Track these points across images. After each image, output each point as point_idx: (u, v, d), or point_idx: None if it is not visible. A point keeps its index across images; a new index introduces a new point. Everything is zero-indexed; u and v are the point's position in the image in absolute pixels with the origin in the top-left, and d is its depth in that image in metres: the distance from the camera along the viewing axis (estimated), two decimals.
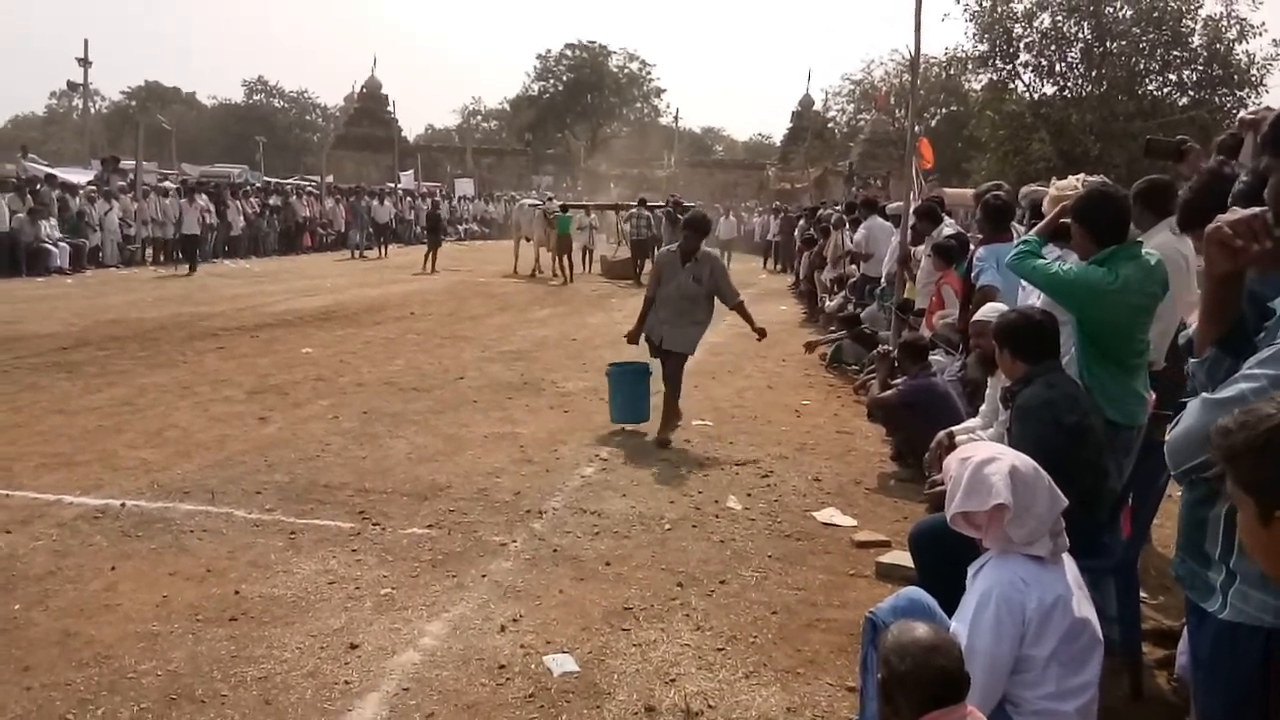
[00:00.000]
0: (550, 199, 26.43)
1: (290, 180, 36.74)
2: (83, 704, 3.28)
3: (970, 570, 2.66)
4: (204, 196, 24.19)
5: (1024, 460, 2.59)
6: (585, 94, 63.20)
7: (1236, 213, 1.94)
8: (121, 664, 3.55)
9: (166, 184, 25.52)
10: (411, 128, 58.27)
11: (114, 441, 6.63)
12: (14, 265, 18.52)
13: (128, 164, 25.70)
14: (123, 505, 5.29)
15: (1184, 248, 4.25)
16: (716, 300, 7.22)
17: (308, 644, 3.75)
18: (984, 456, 2.57)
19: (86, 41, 36.43)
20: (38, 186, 20.66)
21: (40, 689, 3.36)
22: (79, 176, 24.68)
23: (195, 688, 3.40)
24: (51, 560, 4.50)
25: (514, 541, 4.92)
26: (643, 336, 7.28)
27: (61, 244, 19.69)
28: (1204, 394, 2.00)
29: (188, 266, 20.34)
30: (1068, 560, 2.63)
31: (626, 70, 65.68)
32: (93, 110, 49.98)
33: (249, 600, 4.13)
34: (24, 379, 8.64)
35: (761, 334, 7.35)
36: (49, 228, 19.63)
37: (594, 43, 64.66)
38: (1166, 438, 2.05)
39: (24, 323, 12.20)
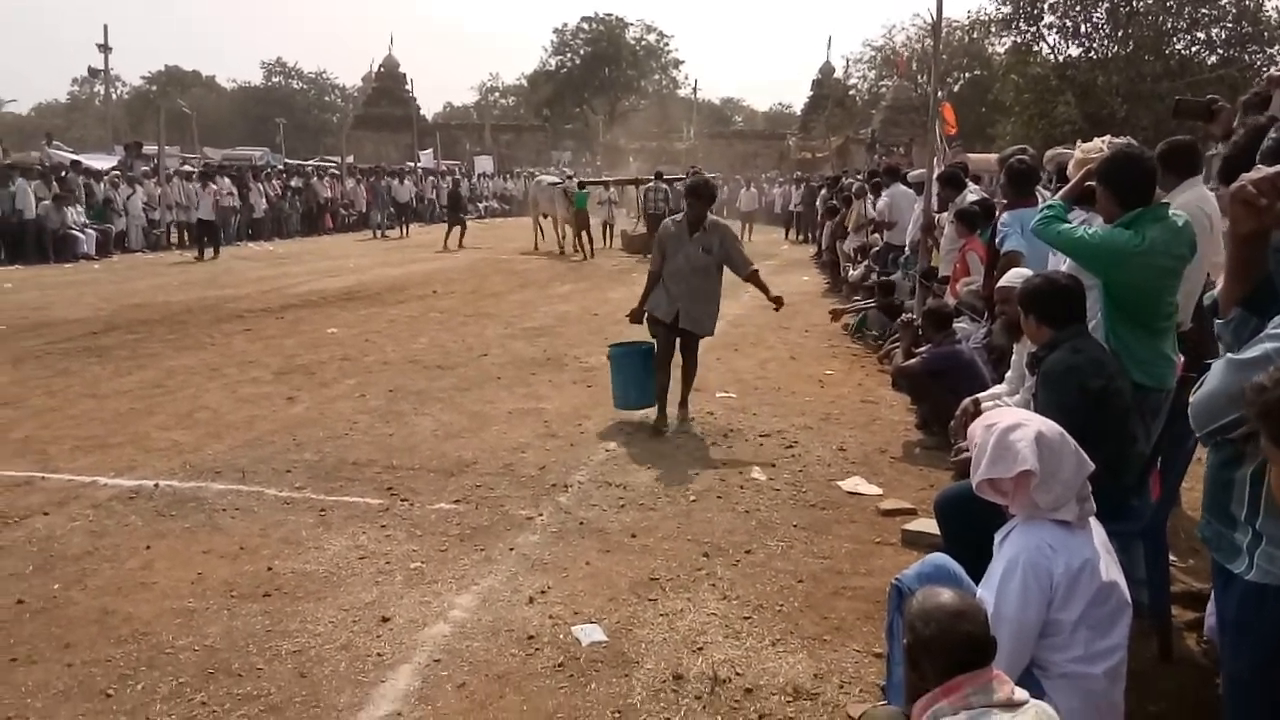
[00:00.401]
0: (570, 175, 25.93)
1: (311, 162, 36.90)
2: (122, 679, 3.35)
3: (997, 537, 2.65)
4: (225, 180, 24.35)
5: (1049, 425, 2.58)
6: (603, 67, 62.90)
7: (1261, 171, 1.91)
8: (159, 640, 3.62)
9: (187, 168, 25.64)
10: (430, 106, 58.53)
11: (145, 423, 6.73)
12: (42, 252, 18.76)
13: (150, 149, 25.91)
14: (156, 486, 5.37)
15: (1207, 207, 4.18)
16: (729, 272, 6.81)
17: (340, 618, 3.81)
18: (1009, 423, 2.55)
19: (106, 28, 36.82)
20: (63, 174, 20.87)
21: (81, 665, 3.44)
22: (103, 162, 24.93)
23: (231, 662, 3.46)
24: (89, 540, 4.59)
25: (540, 515, 4.96)
26: (645, 315, 6.82)
27: (88, 230, 19.92)
28: (1229, 354, 1.98)
29: (212, 251, 20.12)
30: (1095, 524, 2.62)
31: (644, 42, 65.28)
32: (114, 96, 50.35)
33: (282, 576, 4.19)
34: (56, 364, 8.78)
35: (779, 303, 6.82)
36: (75, 214, 19.85)
37: (611, 15, 64.30)
38: (1191, 398, 2.03)
39: (53, 308, 12.37)
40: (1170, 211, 3.78)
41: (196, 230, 21.14)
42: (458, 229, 22.80)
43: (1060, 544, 2.47)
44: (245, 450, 6.08)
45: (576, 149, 55.63)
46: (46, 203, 19.16)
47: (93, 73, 40.84)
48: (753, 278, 6.69)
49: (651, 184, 22.19)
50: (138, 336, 10.27)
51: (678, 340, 6.71)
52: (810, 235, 23.91)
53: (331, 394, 7.68)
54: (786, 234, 27.69)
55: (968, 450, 2.94)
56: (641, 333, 6.97)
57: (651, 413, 6.76)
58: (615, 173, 34.45)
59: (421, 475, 5.61)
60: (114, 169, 23.23)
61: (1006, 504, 2.58)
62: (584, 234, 20.68)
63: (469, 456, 5.97)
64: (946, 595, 2.18)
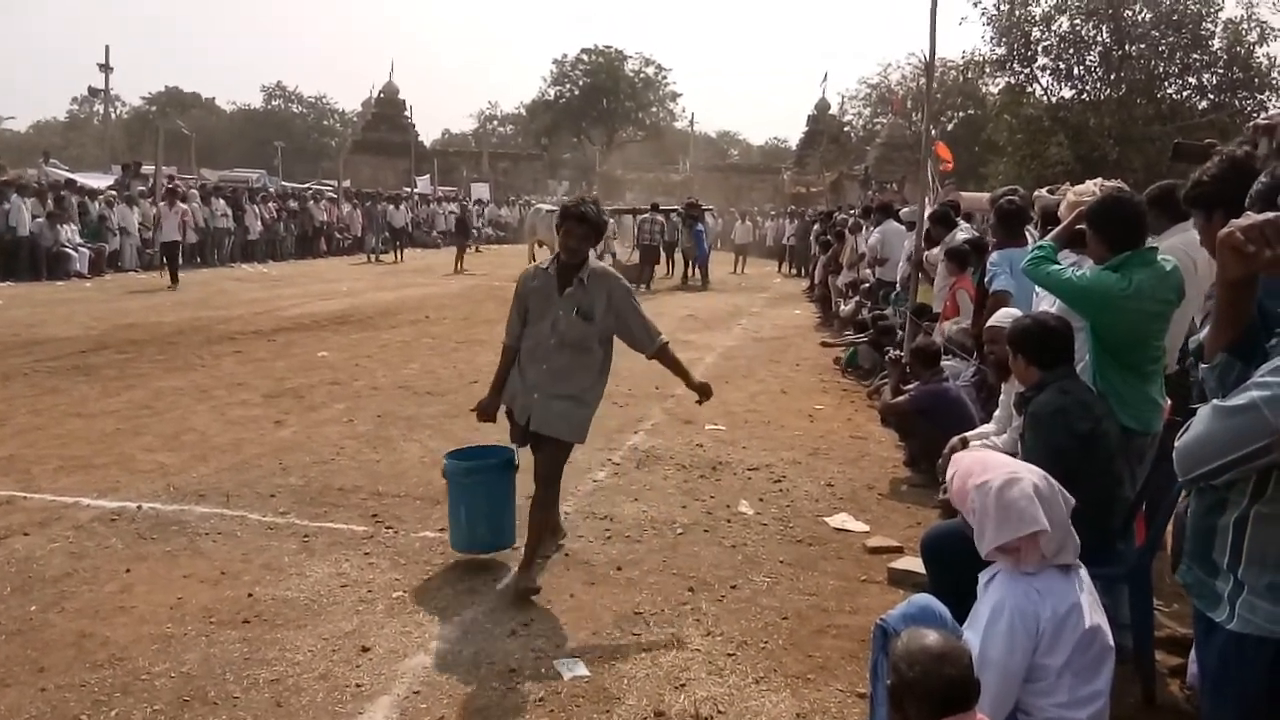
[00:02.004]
0: (565, 200, 26.10)
1: (308, 185, 37.00)
2: (97, 705, 3.30)
3: (981, 578, 2.64)
4: (221, 200, 24.38)
5: (1037, 474, 2.58)
6: (601, 98, 63.28)
7: (1250, 217, 1.92)
8: (136, 665, 3.58)
9: (179, 186, 25.38)
10: (428, 132, 58.63)
11: (131, 444, 6.69)
12: (35, 269, 18.73)
13: (147, 169, 25.94)
14: (139, 508, 5.33)
15: (1194, 251, 4.21)
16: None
17: (320, 646, 3.77)
18: (1002, 480, 2.54)
19: (108, 48, 37.01)
20: (59, 192, 20.87)
21: (55, 690, 3.39)
22: (99, 181, 24.93)
23: (208, 689, 3.42)
24: (68, 562, 4.55)
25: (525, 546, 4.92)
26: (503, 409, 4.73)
27: (81, 248, 19.89)
28: (1214, 401, 1.98)
29: (170, 279, 18.19)
30: (1080, 568, 2.61)
31: (642, 75, 65.69)
32: (113, 116, 50.49)
33: (262, 603, 4.15)
34: (44, 382, 8.73)
35: (703, 393, 4.61)
36: (69, 232, 19.84)
37: (610, 47, 64.72)
38: (1176, 444, 2.03)
39: (44, 326, 12.32)
40: (1158, 256, 3.81)
41: (161, 254, 19.38)
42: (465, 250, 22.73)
43: (1046, 589, 2.46)
44: (231, 474, 6.04)
45: (573, 178, 55.81)
46: (41, 220, 19.16)
47: (93, 92, 41.13)
48: (662, 356, 4.56)
49: (647, 215, 22.13)
50: (127, 356, 10.23)
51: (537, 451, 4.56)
52: (804, 269, 24.04)
53: (320, 418, 7.65)
54: (780, 267, 27.85)
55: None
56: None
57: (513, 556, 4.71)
58: (612, 203, 34.54)
59: (407, 503, 5.58)
60: (110, 188, 23.23)
61: (1014, 561, 2.56)
62: None
63: None
64: (931, 638, 2.17)
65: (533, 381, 4.48)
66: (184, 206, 20.32)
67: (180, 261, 19.04)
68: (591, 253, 4.54)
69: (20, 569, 4.44)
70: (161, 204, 19.78)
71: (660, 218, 21.81)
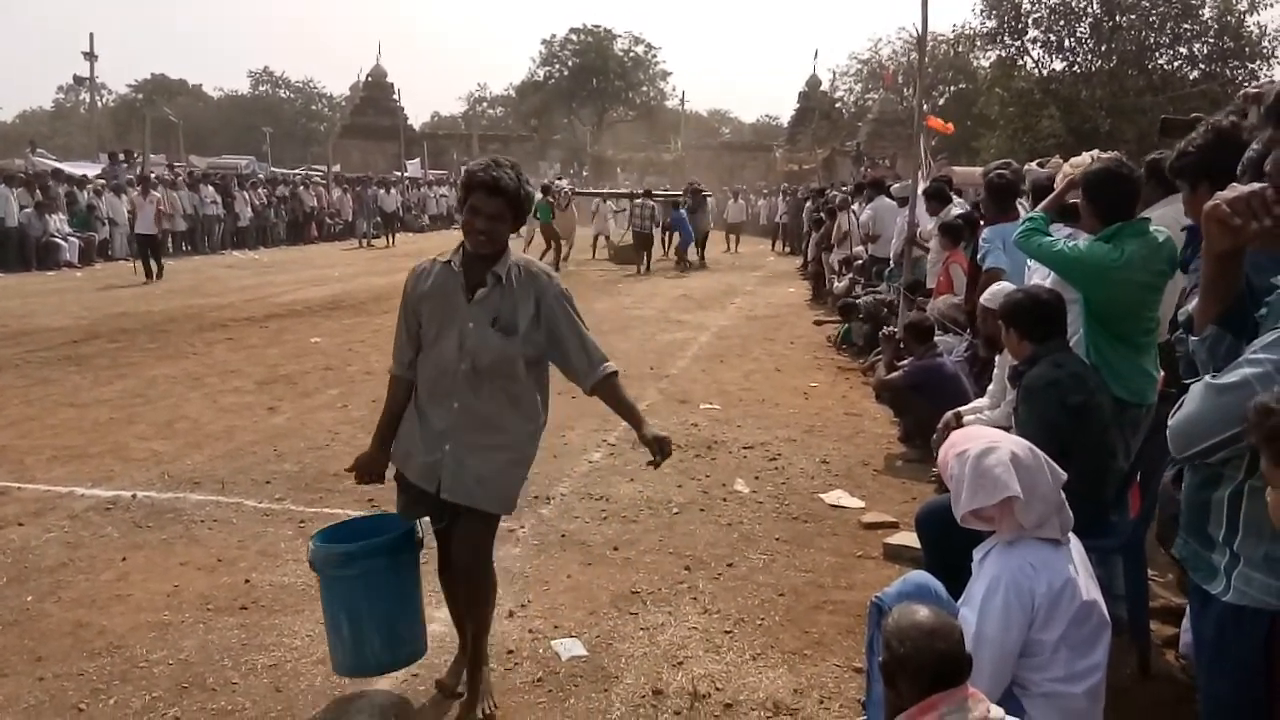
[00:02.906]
0: (557, 180, 25.47)
1: (297, 170, 36.81)
2: (95, 693, 3.31)
3: (976, 554, 2.65)
4: (209, 188, 24.26)
5: (1020, 443, 2.58)
6: (591, 78, 62.90)
7: (1236, 189, 1.91)
8: (133, 653, 3.58)
9: (152, 174, 24.79)
10: (417, 115, 58.20)
11: (125, 433, 6.67)
12: (24, 260, 18.64)
13: (135, 157, 25.77)
14: (134, 496, 5.32)
15: (1183, 222, 4.21)
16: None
17: (318, 631, 3.74)
18: (980, 448, 2.54)
19: (92, 35, 36.35)
20: (46, 181, 20.73)
21: (53, 679, 3.39)
22: (87, 170, 24.76)
23: (206, 676, 3.42)
24: (64, 552, 4.54)
25: (522, 527, 4.93)
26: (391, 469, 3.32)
27: (70, 238, 19.78)
28: (1206, 379, 1.97)
29: (156, 268, 17.16)
30: (1074, 541, 2.62)
31: (632, 54, 65.29)
32: (100, 104, 50.09)
33: (259, 589, 4.15)
34: (35, 373, 8.69)
35: (657, 450, 3.29)
36: (58, 222, 19.72)
37: (599, 27, 64.32)
38: (1169, 422, 2.03)
39: (34, 317, 12.27)
40: (1151, 227, 3.80)
41: (138, 247, 17.96)
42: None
43: (1042, 563, 2.46)
44: (225, 461, 6.03)
45: (564, 159, 55.61)
46: (29, 210, 19.03)
47: (78, 80, 40.63)
48: (607, 391, 3.27)
49: (640, 201, 21.44)
50: (119, 345, 10.19)
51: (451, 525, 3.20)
52: (796, 246, 24.01)
53: (313, 404, 7.63)
54: (773, 245, 27.84)
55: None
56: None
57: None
58: (603, 184, 34.42)
59: None
60: (98, 177, 23.07)
61: (992, 529, 2.57)
62: (554, 243, 19.86)
63: None
64: (922, 613, 2.17)
65: (439, 427, 3.09)
66: (158, 195, 19.08)
67: (157, 252, 17.67)
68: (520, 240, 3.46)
69: (16, 559, 4.44)
70: (135, 194, 18.84)
71: (653, 204, 21.08)
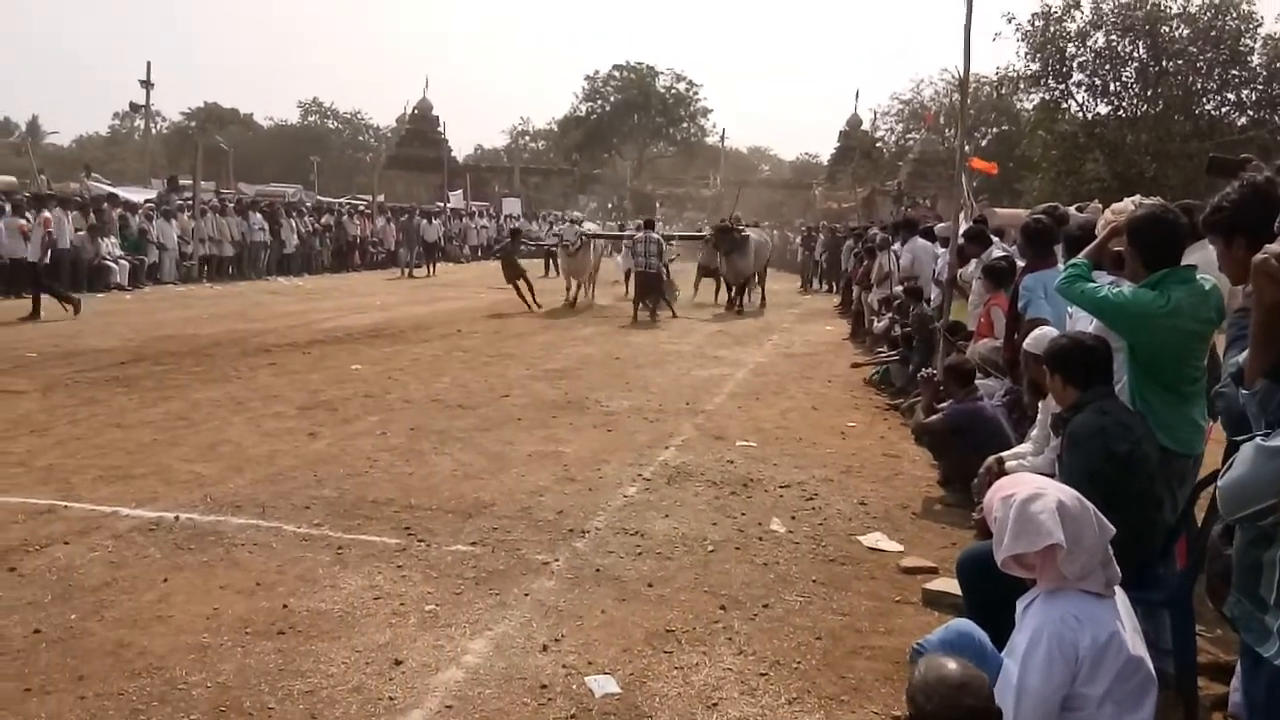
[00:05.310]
0: (569, 225, 21.75)
1: (342, 199, 37.44)
2: (134, 714, 3.34)
3: (1020, 604, 2.61)
4: (255, 214, 24.70)
5: (1068, 493, 2.55)
6: (632, 114, 63.62)
7: None
8: (173, 675, 3.61)
9: (48, 191, 21.23)
10: (461, 148, 59.00)
11: (169, 455, 6.78)
12: (76, 281, 19.06)
13: (185, 183, 26.38)
14: (176, 518, 5.40)
15: (1211, 271, 4.15)
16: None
17: (353, 659, 3.79)
18: (1027, 494, 2.52)
19: (149, 64, 37.44)
20: (101, 205, 21.27)
21: (94, 698, 3.43)
22: (140, 195, 25.39)
23: (243, 700, 3.45)
24: (107, 571, 4.61)
25: (556, 560, 4.93)
26: None
27: (121, 261, 20.25)
28: (1257, 440, 1.95)
29: (31, 308, 14.50)
30: (1120, 593, 2.58)
31: (674, 91, 65.98)
32: (154, 131, 51.38)
33: (297, 614, 4.18)
34: (83, 393, 8.88)
35: None
36: (110, 245, 20.21)
37: (642, 64, 65.16)
38: (1219, 483, 2.00)
39: (83, 337, 12.54)
40: (1197, 274, 3.76)
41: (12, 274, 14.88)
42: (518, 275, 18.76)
43: (1086, 615, 2.42)
44: (266, 485, 6.10)
45: (604, 193, 56.09)
46: (82, 233, 19.52)
47: (134, 107, 41.73)
48: None
49: (640, 235, 17.81)
50: (165, 368, 10.38)
51: None
52: (834, 285, 23.70)
53: (353, 430, 7.71)
54: (803, 283, 27.03)
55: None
56: None
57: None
58: (644, 216, 34.17)
59: (439, 516, 5.60)
60: (149, 201, 23.64)
61: (1033, 578, 2.54)
62: (521, 284, 17.93)
63: (487, 498, 5.96)
64: (949, 667, 2.13)
65: None
66: (48, 216, 15.83)
67: (46, 284, 14.78)
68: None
69: (61, 577, 4.51)
70: (29, 214, 15.83)
71: (657, 238, 17.77)
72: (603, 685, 3.63)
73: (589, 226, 22.96)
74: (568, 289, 19.27)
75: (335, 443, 7.29)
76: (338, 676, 3.65)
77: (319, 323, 15.12)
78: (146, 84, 37.65)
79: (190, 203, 23.59)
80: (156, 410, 8.25)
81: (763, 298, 20.41)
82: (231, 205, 25.05)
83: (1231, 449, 2.06)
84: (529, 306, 17.80)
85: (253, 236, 24.60)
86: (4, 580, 4.45)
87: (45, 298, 14.69)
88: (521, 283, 17.96)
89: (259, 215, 25.12)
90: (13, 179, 25.67)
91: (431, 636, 4.01)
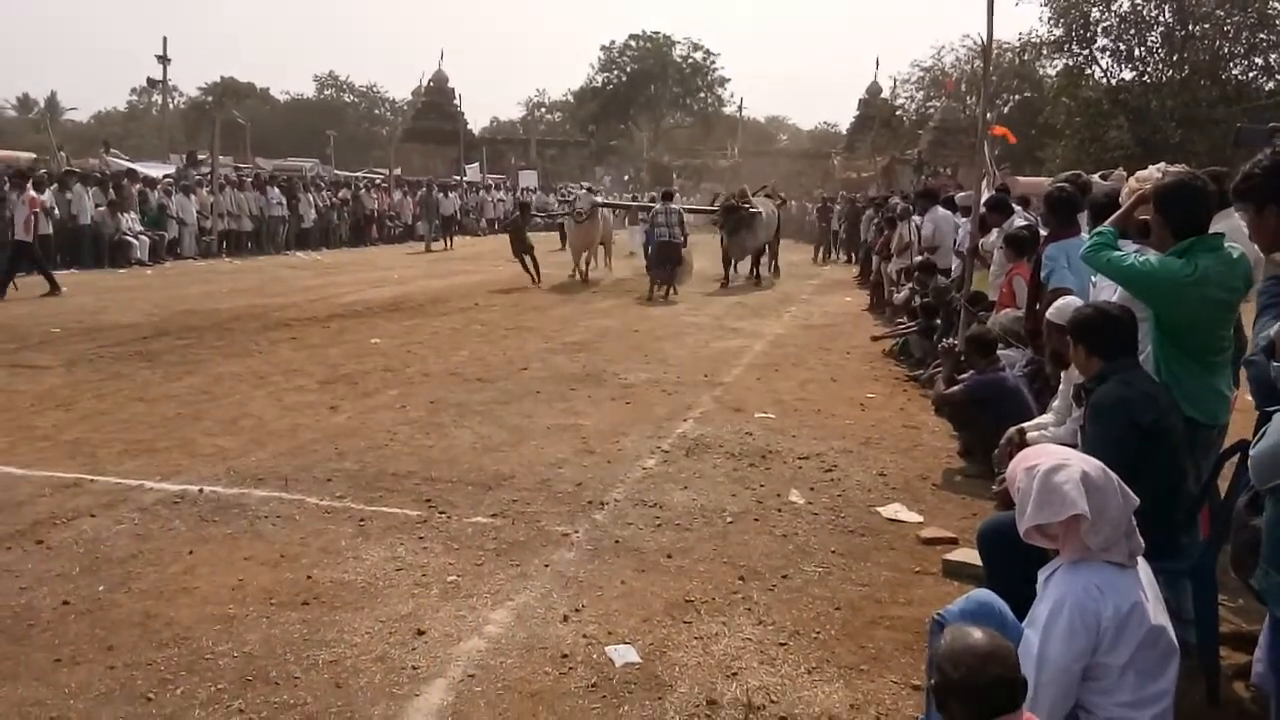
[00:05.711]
0: (584, 190, 21.73)
1: (359, 173, 37.46)
2: (163, 683, 3.40)
3: (1041, 575, 2.60)
4: (273, 189, 24.76)
5: (1092, 464, 2.53)
6: (649, 85, 63.16)
7: None
8: (199, 645, 3.67)
9: (34, 170, 19.65)
10: (476, 120, 58.86)
11: (192, 429, 6.85)
12: (97, 257, 19.22)
13: (203, 158, 26.47)
14: (200, 491, 5.46)
15: (1240, 239, 4.09)
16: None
17: (377, 629, 3.83)
18: (1051, 464, 2.50)
19: (165, 39, 37.37)
20: (121, 181, 21.37)
21: (123, 668, 3.49)
22: (158, 170, 25.48)
23: (269, 669, 3.50)
24: (134, 544, 4.67)
25: (576, 532, 4.96)
26: None
27: (141, 236, 20.37)
28: None
29: (12, 283, 14.30)
30: (1142, 563, 2.56)
31: (690, 60, 65.41)
32: (171, 106, 51.42)
33: (320, 585, 4.23)
34: (107, 367, 8.97)
35: None
36: (130, 221, 20.31)
37: (658, 33, 64.55)
38: (1251, 452, 1.98)
39: (106, 313, 12.65)
40: (1225, 243, 3.71)
41: (8, 258, 14.58)
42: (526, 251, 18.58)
43: (1108, 585, 2.41)
44: (288, 458, 6.15)
45: (620, 165, 55.86)
46: (103, 209, 19.63)
47: (151, 83, 41.66)
48: None
49: (660, 206, 17.42)
50: (187, 342, 10.46)
51: None
52: (853, 255, 23.46)
53: (373, 404, 7.76)
54: (816, 255, 26.65)
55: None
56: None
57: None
58: (658, 189, 33.87)
59: (459, 488, 5.64)
60: (167, 177, 23.72)
61: (1055, 548, 2.53)
62: (527, 258, 17.93)
63: (507, 470, 5.99)
64: (975, 636, 2.12)
65: None
66: (34, 195, 15.07)
67: (39, 263, 14.86)
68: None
69: (88, 550, 4.58)
70: (13, 193, 15.35)
71: (677, 209, 17.32)
72: (623, 655, 3.66)
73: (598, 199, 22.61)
74: (575, 263, 18.84)
75: (356, 416, 7.34)
76: (361, 646, 3.69)
77: (338, 297, 15.18)
78: (163, 59, 37.62)
79: (209, 178, 23.66)
80: (179, 384, 8.32)
81: (776, 266, 20.26)
82: (249, 180, 25.09)
83: (1263, 419, 2.03)
84: (532, 279, 17.79)
85: (271, 211, 24.65)
86: (33, 553, 4.53)
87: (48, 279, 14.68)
88: (528, 257, 17.96)
89: (277, 190, 25.15)
90: (32, 155, 25.76)
91: (453, 607, 4.05)
